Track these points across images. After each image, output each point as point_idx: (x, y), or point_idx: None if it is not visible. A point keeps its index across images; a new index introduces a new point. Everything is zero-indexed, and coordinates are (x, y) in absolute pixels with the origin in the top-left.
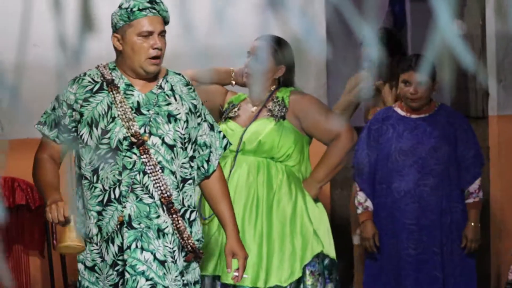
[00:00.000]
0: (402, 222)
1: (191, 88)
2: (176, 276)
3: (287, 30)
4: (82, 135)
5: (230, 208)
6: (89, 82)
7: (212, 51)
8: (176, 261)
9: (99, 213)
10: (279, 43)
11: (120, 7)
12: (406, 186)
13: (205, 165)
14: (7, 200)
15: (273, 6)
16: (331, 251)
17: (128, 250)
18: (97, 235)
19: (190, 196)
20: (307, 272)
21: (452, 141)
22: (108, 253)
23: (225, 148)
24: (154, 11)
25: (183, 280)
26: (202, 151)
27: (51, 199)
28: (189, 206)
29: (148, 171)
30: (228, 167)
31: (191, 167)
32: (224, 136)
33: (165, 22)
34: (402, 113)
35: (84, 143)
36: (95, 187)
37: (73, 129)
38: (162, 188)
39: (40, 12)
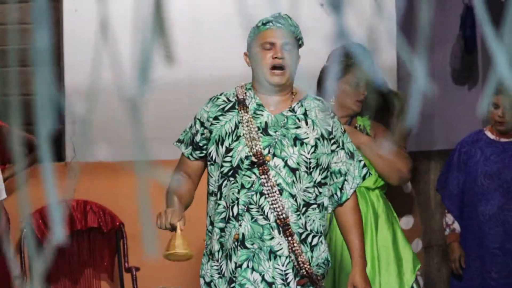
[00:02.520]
0: (486, 246)
1: (329, 115)
2: None
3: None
4: (210, 153)
5: (361, 239)
6: (223, 101)
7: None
8: (288, 283)
9: (222, 229)
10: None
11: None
12: (491, 210)
13: (338, 193)
14: (79, 223)
15: (343, 37)
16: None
17: (239, 268)
18: (218, 251)
19: (313, 221)
20: None
21: None
22: (227, 269)
23: (363, 178)
24: (278, 24)
25: None
26: (336, 178)
27: (167, 208)
28: (311, 231)
29: (266, 192)
30: None
31: (319, 192)
32: (364, 166)
33: (296, 37)
34: (492, 136)
35: (212, 161)
36: (219, 204)
37: (204, 146)
38: (278, 210)
39: (115, 37)
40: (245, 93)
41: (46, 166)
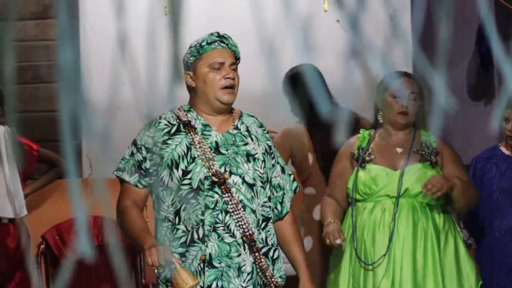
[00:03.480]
0: (502, 261)
1: (265, 130)
2: None
3: (371, 78)
4: (162, 178)
5: (303, 250)
6: (166, 125)
7: None
8: None
9: (182, 254)
10: None
11: (190, 47)
12: (506, 225)
13: (279, 207)
14: (96, 239)
15: (356, 54)
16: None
17: None
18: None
19: (273, 234)
20: None
21: None
22: None
23: (295, 191)
24: (223, 44)
25: None
26: (276, 192)
27: (148, 244)
28: (272, 245)
29: (230, 210)
30: (389, 211)
31: (270, 206)
32: (294, 180)
33: (236, 57)
34: (507, 152)
35: (165, 186)
36: (178, 229)
37: (154, 172)
38: (244, 226)
39: (133, 53)
40: (186, 114)
41: (73, 181)
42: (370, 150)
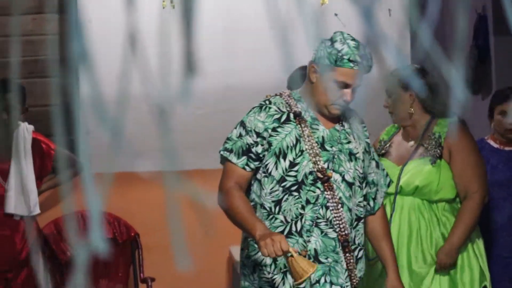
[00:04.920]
0: (497, 254)
1: (365, 127)
2: None
3: (384, 66)
4: (267, 165)
5: (392, 246)
6: (275, 111)
7: None
8: None
9: None
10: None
11: (332, 43)
12: (501, 219)
13: (371, 203)
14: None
15: (370, 44)
16: (489, 283)
17: (317, 284)
18: (271, 264)
19: (361, 234)
20: None
21: None
22: (284, 284)
23: (388, 186)
24: (361, 66)
25: None
26: (370, 188)
27: (260, 231)
28: (358, 244)
29: (331, 207)
30: (387, 208)
31: (364, 205)
32: (387, 174)
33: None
34: (495, 145)
35: (267, 173)
36: (276, 218)
37: (262, 157)
38: (341, 225)
39: (143, 47)
40: (296, 104)
41: (87, 175)
42: (388, 144)
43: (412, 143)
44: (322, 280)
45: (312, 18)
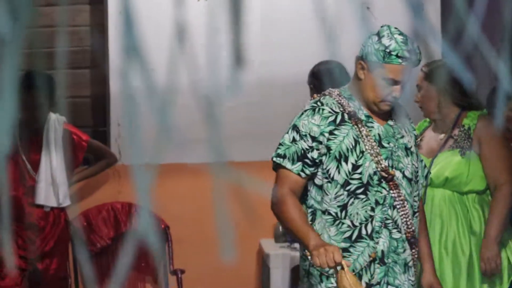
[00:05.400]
0: None
1: (410, 119)
2: None
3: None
4: (328, 170)
5: (428, 241)
6: (329, 112)
7: None
8: None
9: (345, 250)
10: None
11: (379, 38)
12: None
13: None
14: (124, 225)
15: (417, 38)
16: None
17: (378, 286)
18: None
19: (416, 228)
20: None
21: None
22: None
23: (426, 178)
24: (410, 61)
25: None
26: None
27: (313, 242)
28: (415, 239)
29: (398, 206)
30: None
31: (417, 200)
32: (425, 165)
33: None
34: None
35: (330, 178)
36: (343, 223)
37: (318, 163)
38: (408, 223)
39: (191, 39)
40: (348, 103)
41: (138, 166)
42: (420, 138)
43: (442, 135)
44: (382, 282)
45: (359, 13)
